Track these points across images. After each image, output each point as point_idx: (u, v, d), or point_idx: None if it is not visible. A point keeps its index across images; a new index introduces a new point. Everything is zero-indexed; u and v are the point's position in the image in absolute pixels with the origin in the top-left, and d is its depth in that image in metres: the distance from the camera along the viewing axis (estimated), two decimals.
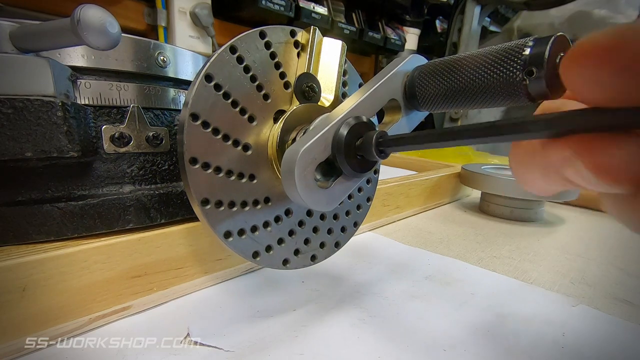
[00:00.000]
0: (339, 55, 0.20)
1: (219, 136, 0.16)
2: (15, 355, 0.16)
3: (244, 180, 0.17)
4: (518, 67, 0.13)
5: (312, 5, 0.97)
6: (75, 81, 0.18)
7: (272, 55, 0.18)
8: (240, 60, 0.17)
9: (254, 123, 0.18)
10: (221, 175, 0.16)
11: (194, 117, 0.15)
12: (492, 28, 1.44)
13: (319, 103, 0.20)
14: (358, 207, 0.23)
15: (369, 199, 0.24)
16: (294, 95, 0.19)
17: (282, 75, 0.18)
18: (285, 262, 0.20)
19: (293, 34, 0.19)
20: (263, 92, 0.18)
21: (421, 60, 0.18)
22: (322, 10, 1.00)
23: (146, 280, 0.20)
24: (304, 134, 0.17)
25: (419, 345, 0.19)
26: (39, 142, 0.16)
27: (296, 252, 0.20)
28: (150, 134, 0.21)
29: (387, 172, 0.61)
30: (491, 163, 0.55)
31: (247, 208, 0.18)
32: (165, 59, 0.22)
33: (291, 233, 0.20)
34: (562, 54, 0.12)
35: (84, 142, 0.18)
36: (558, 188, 0.11)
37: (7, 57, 0.15)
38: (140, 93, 0.21)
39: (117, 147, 0.20)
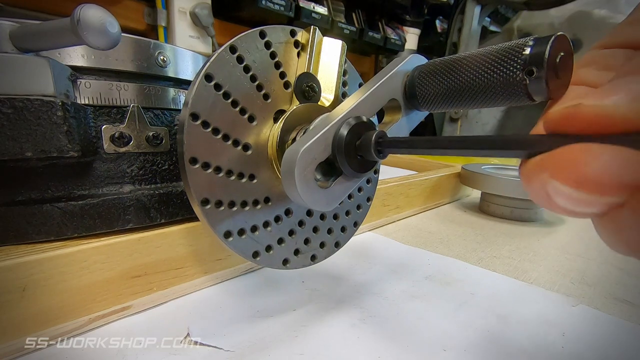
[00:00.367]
0: (339, 55, 0.20)
1: (219, 136, 0.16)
2: (15, 355, 0.16)
3: (244, 180, 0.17)
4: (518, 66, 0.13)
5: (312, 5, 0.97)
6: (75, 81, 0.18)
7: (272, 55, 0.18)
8: (240, 60, 0.17)
9: (254, 123, 0.18)
10: (221, 175, 0.16)
11: (194, 116, 0.15)
12: (492, 28, 1.44)
13: (319, 103, 0.20)
14: (358, 207, 0.23)
15: (369, 199, 0.24)
16: (294, 95, 0.19)
17: (282, 75, 0.18)
18: (285, 262, 0.20)
19: (293, 33, 0.19)
20: (263, 91, 0.18)
21: (421, 60, 0.18)
22: (322, 10, 1.00)
23: (146, 280, 0.20)
24: (304, 133, 0.17)
25: (419, 345, 0.19)
26: (39, 142, 0.16)
27: (296, 252, 0.20)
28: (150, 133, 0.21)
29: (387, 172, 0.61)
30: (491, 163, 0.55)
31: (247, 208, 0.18)
32: (165, 59, 0.22)
33: (291, 233, 0.20)
34: (562, 54, 0.12)
35: (84, 142, 0.18)
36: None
37: (7, 57, 0.15)
38: (140, 93, 0.21)
39: (117, 147, 0.20)
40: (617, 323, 0.22)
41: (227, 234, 0.17)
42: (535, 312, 0.22)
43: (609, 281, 0.27)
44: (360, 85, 0.23)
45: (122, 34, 0.17)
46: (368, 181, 0.24)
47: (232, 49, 0.16)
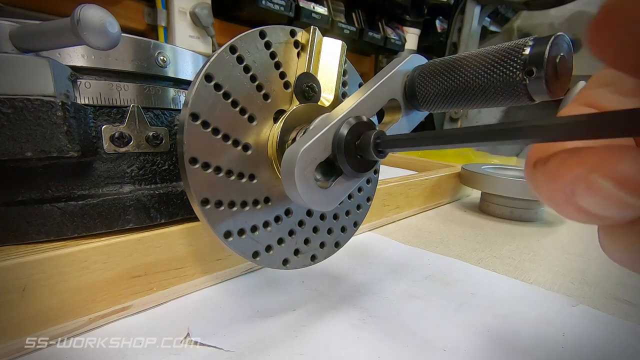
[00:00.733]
0: (339, 55, 0.20)
1: (219, 136, 0.16)
2: (15, 355, 0.16)
3: (244, 180, 0.17)
4: (518, 66, 0.13)
5: (312, 5, 0.97)
6: (75, 81, 0.18)
7: (272, 55, 0.18)
8: (240, 60, 0.17)
9: (254, 123, 0.18)
10: (221, 175, 0.16)
11: (194, 117, 0.15)
12: (492, 28, 1.44)
13: (319, 103, 0.20)
14: (358, 207, 0.23)
15: (369, 199, 0.24)
16: (294, 95, 0.19)
17: (282, 75, 0.18)
18: (285, 262, 0.20)
19: (293, 33, 0.19)
20: (263, 92, 0.18)
21: (421, 60, 0.18)
22: (322, 10, 1.00)
23: (146, 280, 0.20)
24: (304, 133, 0.17)
25: (419, 345, 0.19)
26: (39, 142, 0.16)
27: (296, 252, 0.20)
28: (150, 133, 0.21)
29: (387, 172, 0.61)
30: (491, 163, 0.55)
31: (247, 208, 0.18)
32: (165, 59, 0.22)
33: (291, 233, 0.20)
34: (562, 54, 0.12)
35: (84, 142, 0.18)
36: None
37: (7, 57, 0.15)
38: (140, 93, 0.21)
39: (117, 147, 0.20)
40: (617, 323, 0.22)
41: (227, 234, 0.17)
42: (535, 312, 0.22)
43: (609, 281, 0.27)
44: (360, 85, 0.23)
45: (122, 34, 0.17)
46: (368, 181, 0.24)
47: (232, 49, 0.16)
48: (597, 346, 0.19)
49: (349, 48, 0.20)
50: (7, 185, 0.18)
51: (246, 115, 0.17)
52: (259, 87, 0.18)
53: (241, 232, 0.17)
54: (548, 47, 0.12)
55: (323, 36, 0.20)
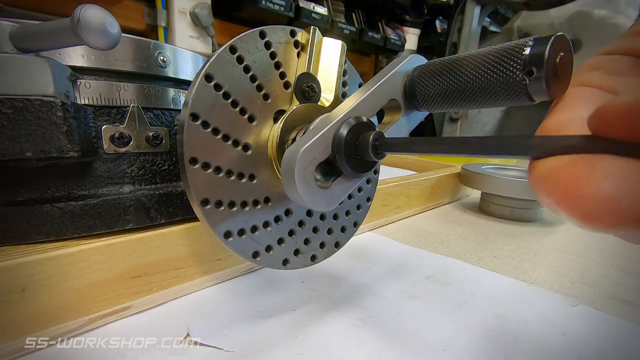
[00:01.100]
0: (339, 55, 0.20)
1: (219, 136, 0.16)
2: (15, 355, 0.16)
3: (244, 180, 0.17)
4: (518, 67, 0.13)
5: (312, 5, 0.97)
6: (75, 81, 0.18)
7: (272, 55, 0.18)
8: (240, 60, 0.17)
9: (254, 123, 0.18)
10: (221, 175, 0.16)
11: (194, 117, 0.15)
12: (492, 28, 1.44)
13: (319, 103, 0.20)
14: (358, 207, 0.23)
15: (368, 199, 0.24)
16: (294, 95, 0.19)
17: (282, 75, 0.18)
18: (285, 262, 0.20)
19: (293, 34, 0.19)
20: (263, 92, 0.18)
21: (421, 60, 0.18)
22: (322, 10, 1.00)
23: (146, 281, 0.20)
24: (303, 134, 0.17)
25: (419, 345, 0.19)
26: (39, 142, 0.16)
27: (296, 252, 0.20)
28: (150, 134, 0.21)
29: (387, 172, 0.61)
30: (491, 163, 0.55)
31: (247, 208, 0.18)
32: (165, 59, 0.22)
33: (291, 233, 0.20)
34: (562, 54, 0.12)
35: (84, 142, 0.18)
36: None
37: (7, 57, 0.15)
38: (140, 93, 0.21)
39: (117, 147, 0.20)
40: (617, 323, 0.22)
41: (227, 234, 0.17)
42: (535, 312, 0.22)
43: (609, 281, 0.27)
44: (360, 85, 0.23)
45: (122, 34, 0.17)
46: (368, 181, 0.24)
47: (232, 49, 0.16)
48: (597, 346, 0.19)
49: (349, 48, 0.20)
50: (7, 185, 0.18)
51: (246, 116, 0.17)
52: (259, 87, 0.18)
53: (241, 232, 0.17)
54: (548, 48, 0.12)
55: (323, 36, 0.20)
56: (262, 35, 0.17)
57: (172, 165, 0.23)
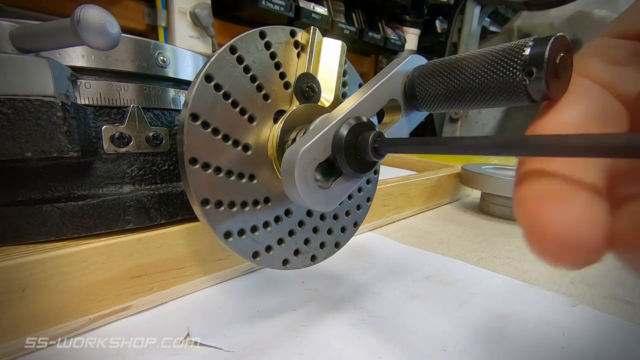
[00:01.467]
0: (339, 56, 0.20)
1: (219, 136, 0.16)
2: (15, 355, 0.16)
3: (244, 180, 0.17)
4: (518, 67, 0.13)
5: (312, 6, 0.97)
6: (75, 81, 0.18)
7: (272, 56, 0.18)
8: (240, 60, 0.17)
9: (254, 123, 0.18)
10: (221, 175, 0.16)
11: (194, 117, 0.15)
12: (492, 28, 1.44)
13: (319, 103, 0.20)
14: (358, 207, 0.23)
15: (369, 199, 0.24)
16: (294, 96, 0.19)
17: (282, 76, 0.18)
18: (285, 262, 0.20)
19: (293, 34, 0.19)
20: (263, 92, 0.18)
21: (421, 60, 0.18)
22: (322, 10, 1.00)
23: (146, 281, 0.20)
24: (303, 134, 0.17)
25: (419, 345, 0.19)
26: (39, 142, 0.16)
27: (296, 252, 0.20)
28: (150, 134, 0.21)
29: (387, 172, 0.61)
30: (491, 163, 0.55)
31: (247, 208, 0.18)
32: (165, 59, 0.22)
33: (291, 233, 0.20)
34: (562, 54, 0.12)
35: (84, 142, 0.18)
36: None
37: (7, 57, 0.15)
38: (140, 93, 0.21)
39: (117, 147, 0.20)
40: (617, 323, 0.22)
41: (227, 235, 0.17)
42: (535, 312, 0.22)
43: (609, 281, 0.27)
44: (360, 85, 0.23)
45: (122, 34, 0.17)
46: (368, 181, 0.24)
47: (232, 50, 0.16)
48: (597, 346, 0.19)
49: (349, 48, 0.20)
50: (7, 185, 0.18)
51: (246, 116, 0.17)
52: (259, 88, 0.18)
53: (241, 232, 0.17)
54: (548, 48, 0.12)
55: (323, 36, 0.20)
56: (262, 35, 0.17)
57: (172, 166, 0.23)
